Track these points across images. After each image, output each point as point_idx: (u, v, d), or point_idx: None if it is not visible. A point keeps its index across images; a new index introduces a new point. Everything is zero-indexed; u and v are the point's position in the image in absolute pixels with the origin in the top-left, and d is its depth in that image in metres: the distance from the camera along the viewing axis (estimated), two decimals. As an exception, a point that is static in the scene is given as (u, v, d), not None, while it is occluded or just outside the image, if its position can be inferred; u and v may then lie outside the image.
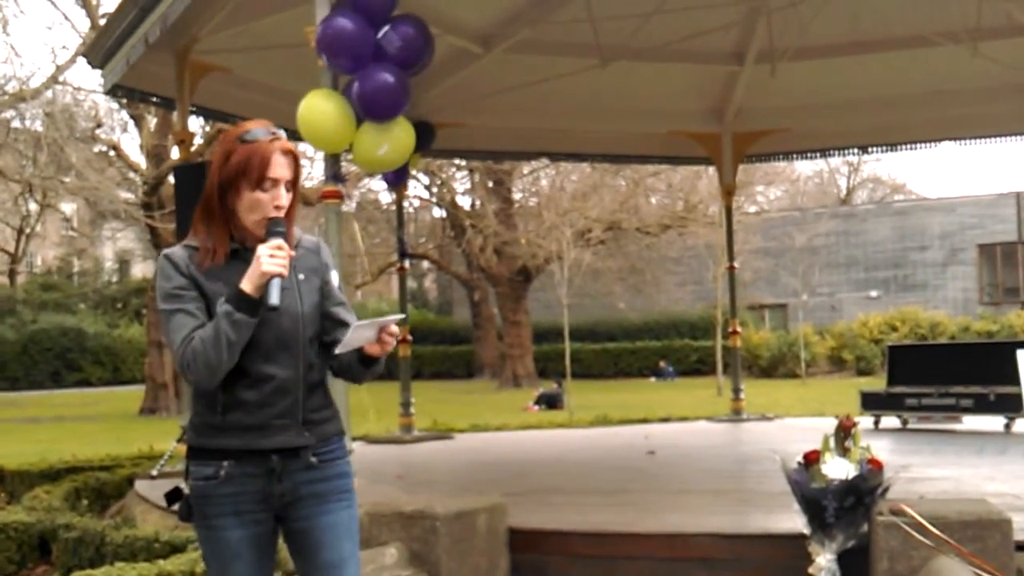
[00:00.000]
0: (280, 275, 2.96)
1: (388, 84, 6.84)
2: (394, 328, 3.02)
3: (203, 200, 3.13)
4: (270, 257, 2.96)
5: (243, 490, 3.08)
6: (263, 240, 3.04)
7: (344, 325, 3.11)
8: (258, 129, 3.11)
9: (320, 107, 6.84)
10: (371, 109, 6.87)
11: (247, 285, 2.96)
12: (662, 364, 35.71)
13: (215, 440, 3.10)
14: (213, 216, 3.11)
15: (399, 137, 7.19)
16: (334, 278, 3.24)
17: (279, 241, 3.00)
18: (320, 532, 3.13)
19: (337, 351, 3.03)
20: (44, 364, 38.54)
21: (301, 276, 3.15)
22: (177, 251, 3.14)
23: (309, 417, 3.11)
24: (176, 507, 3.18)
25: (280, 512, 3.13)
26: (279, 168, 3.07)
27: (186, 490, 3.14)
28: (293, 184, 3.11)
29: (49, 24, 62.49)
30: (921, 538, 4.59)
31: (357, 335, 2.99)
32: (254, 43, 9.87)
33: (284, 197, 3.08)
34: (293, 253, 3.04)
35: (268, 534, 3.16)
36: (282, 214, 3.07)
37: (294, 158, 3.11)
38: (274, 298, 2.95)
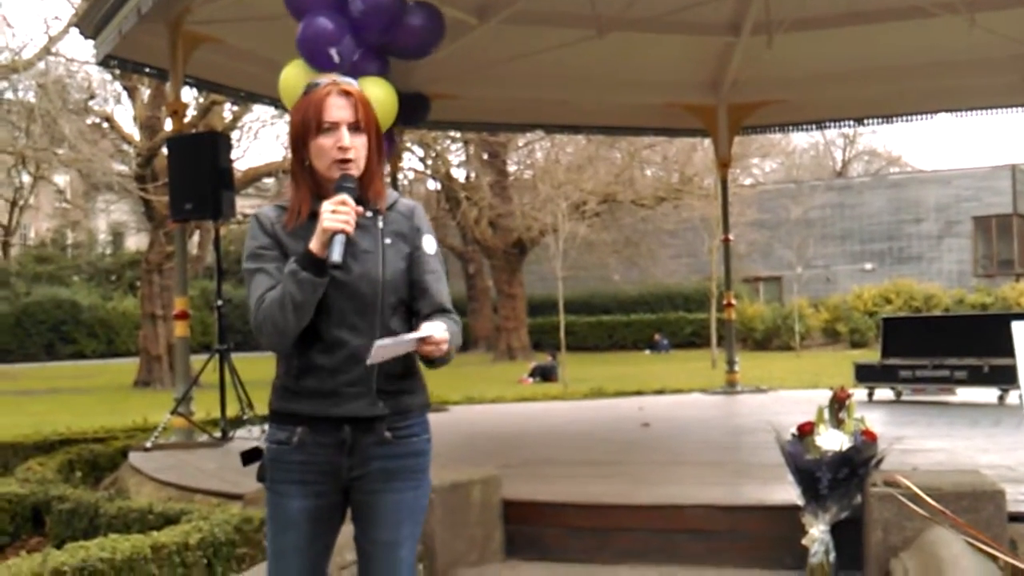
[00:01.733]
0: (343, 231, 2.88)
1: (325, 29, 6.84)
2: (437, 336, 2.87)
3: (291, 161, 3.12)
4: (332, 213, 2.88)
5: (313, 459, 3.03)
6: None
7: (427, 295, 3.05)
8: (321, 79, 3.07)
9: (294, 77, 6.82)
10: (305, 54, 6.87)
11: (313, 243, 2.89)
12: (657, 336, 35.75)
13: (290, 404, 3.05)
14: (295, 176, 3.07)
15: (374, 98, 7.18)
16: (427, 244, 3.11)
17: (343, 196, 2.92)
18: (382, 509, 3.05)
19: (368, 362, 2.89)
20: (38, 336, 38.51)
21: (388, 240, 3.04)
22: (267, 210, 3.11)
23: (384, 387, 3.01)
24: (252, 467, 3.18)
25: (347, 485, 3.06)
26: (335, 110, 2.98)
27: (265, 451, 3.12)
28: (363, 128, 3.02)
29: (41, -5, 62.14)
30: (916, 508, 4.59)
31: (385, 351, 2.86)
32: (247, 14, 9.79)
33: (346, 138, 2.98)
34: (361, 209, 2.95)
35: (330, 508, 3.08)
36: (348, 155, 2.98)
37: (356, 99, 3.01)
38: (335, 255, 2.87)
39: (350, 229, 2.90)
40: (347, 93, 3.01)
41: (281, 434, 3.06)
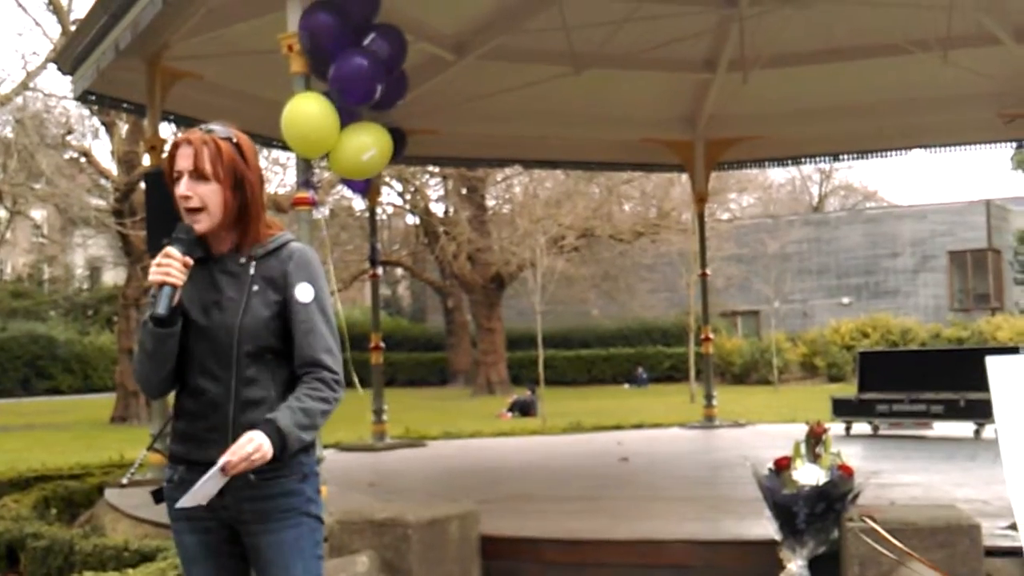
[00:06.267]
0: (166, 283, 2.94)
1: (363, 67, 6.97)
2: (235, 459, 2.86)
3: None
4: (157, 266, 2.96)
5: None
6: (226, 246, 3.11)
7: (298, 350, 3.05)
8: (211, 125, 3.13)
9: (305, 108, 6.86)
10: (347, 91, 6.97)
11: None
12: (639, 371, 35.71)
13: (172, 445, 3.15)
14: None
15: (384, 143, 7.27)
16: (300, 293, 3.07)
17: (169, 248, 2.98)
18: (267, 551, 3.08)
19: (187, 505, 2.94)
20: (14, 372, 38.20)
21: (255, 287, 3.06)
22: None
23: (242, 434, 3.00)
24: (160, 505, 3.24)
25: (233, 526, 3.11)
26: (180, 159, 3.04)
27: None
28: (209, 175, 3.02)
29: (20, 30, 62.33)
30: (885, 551, 4.60)
31: (198, 495, 2.91)
32: (226, 49, 9.83)
33: (183, 186, 3.03)
34: (190, 261, 2.99)
35: (222, 542, 3.13)
36: (188, 204, 3.03)
37: (196, 147, 3.02)
38: (160, 307, 2.93)
39: (175, 280, 2.96)
40: (188, 141, 3.04)
41: (169, 472, 3.16)
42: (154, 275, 2.95)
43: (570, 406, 22.93)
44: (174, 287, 2.96)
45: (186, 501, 2.93)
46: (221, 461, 2.87)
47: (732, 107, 13.34)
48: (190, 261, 3.00)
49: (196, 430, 3.07)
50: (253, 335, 3.03)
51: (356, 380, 11.11)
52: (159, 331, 2.99)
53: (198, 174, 3.03)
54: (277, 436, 2.92)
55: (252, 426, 3.01)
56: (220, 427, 3.03)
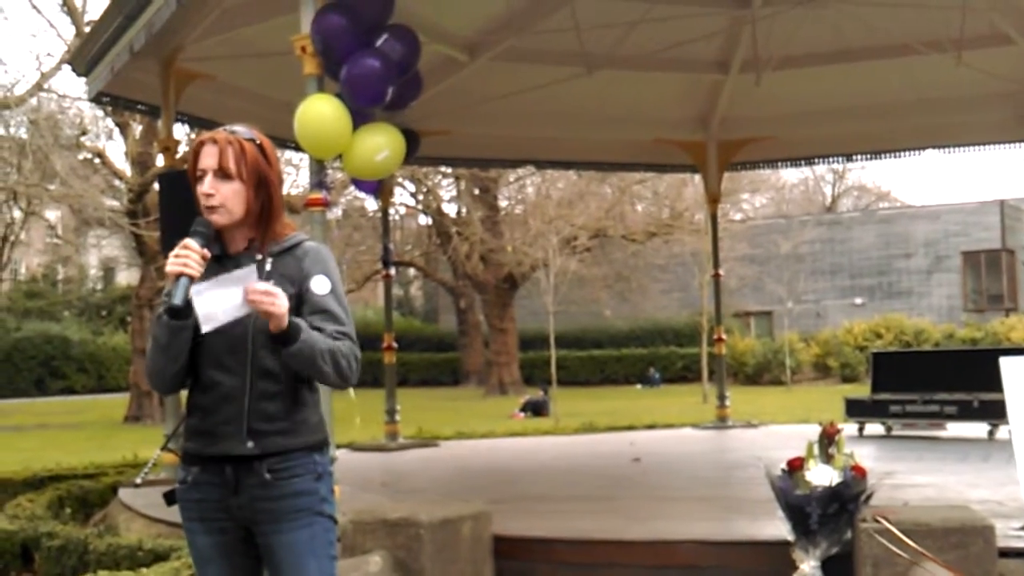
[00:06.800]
0: (182, 274, 2.95)
1: (374, 69, 6.99)
2: (254, 286, 2.88)
3: None
4: (175, 257, 2.97)
5: (206, 497, 3.10)
6: (242, 245, 3.13)
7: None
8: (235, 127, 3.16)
9: (318, 110, 6.88)
10: (357, 92, 6.98)
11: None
12: (652, 371, 35.68)
13: (186, 444, 3.15)
14: None
15: (397, 144, 7.29)
16: (316, 284, 3.10)
17: (187, 240, 3.00)
18: (280, 550, 3.09)
19: (204, 330, 2.93)
20: (28, 372, 38.34)
21: (271, 282, 3.06)
22: None
23: (256, 427, 3.03)
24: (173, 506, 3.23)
25: (247, 526, 3.11)
26: (204, 158, 3.08)
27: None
28: (233, 174, 3.07)
29: (34, 31, 62.61)
30: (898, 552, 4.60)
31: (215, 304, 2.90)
32: (239, 51, 9.86)
33: (207, 183, 3.06)
34: (207, 253, 3.01)
35: (237, 542, 3.13)
36: (210, 201, 3.06)
37: (222, 146, 3.07)
38: (177, 298, 2.93)
39: (192, 272, 2.96)
40: (213, 140, 3.08)
41: (182, 473, 3.16)
42: (172, 266, 2.96)
43: (583, 406, 22.93)
44: (191, 279, 2.97)
45: (205, 310, 2.90)
46: (245, 286, 2.87)
47: (745, 108, 13.33)
48: (208, 254, 3.02)
49: (210, 425, 3.07)
50: (268, 327, 3.04)
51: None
52: (174, 323, 3.00)
53: (222, 173, 3.07)
54: (292, 323, 2.94)
55: (268, 420, 3.03)
56: (234, 420, 3.03)
